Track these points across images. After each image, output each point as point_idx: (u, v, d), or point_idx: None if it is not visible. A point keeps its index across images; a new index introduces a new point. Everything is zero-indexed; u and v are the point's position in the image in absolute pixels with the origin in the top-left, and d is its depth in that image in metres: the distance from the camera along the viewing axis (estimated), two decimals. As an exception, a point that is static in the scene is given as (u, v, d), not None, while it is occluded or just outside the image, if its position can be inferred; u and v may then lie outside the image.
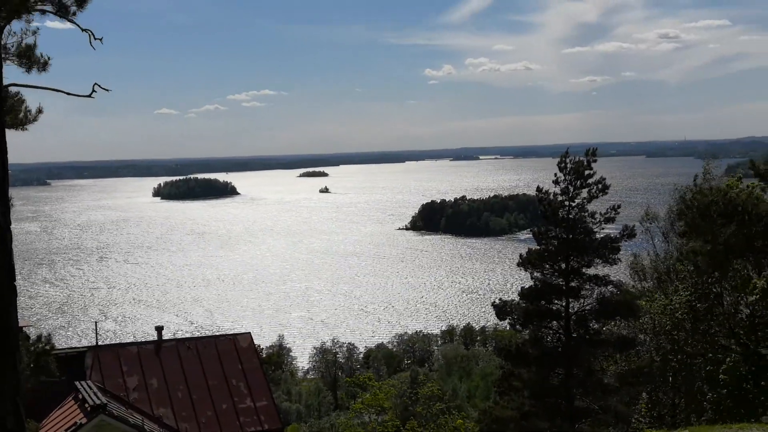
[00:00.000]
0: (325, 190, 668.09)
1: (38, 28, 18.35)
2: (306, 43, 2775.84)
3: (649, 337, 37.03)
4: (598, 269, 32.84)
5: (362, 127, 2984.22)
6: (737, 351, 32.71)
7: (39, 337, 20.67)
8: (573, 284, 31.83)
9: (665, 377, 35.40)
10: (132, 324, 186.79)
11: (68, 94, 20.16)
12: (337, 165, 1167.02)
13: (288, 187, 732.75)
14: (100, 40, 19.40)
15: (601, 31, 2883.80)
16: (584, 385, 31.64)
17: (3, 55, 15.23)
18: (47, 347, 20.35)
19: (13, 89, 19.70)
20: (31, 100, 19.57)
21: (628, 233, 32.49)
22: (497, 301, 33.52)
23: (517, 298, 33.05)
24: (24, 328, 24.17)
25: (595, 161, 32.27)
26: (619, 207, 32.66)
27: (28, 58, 18.32)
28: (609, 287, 32.11)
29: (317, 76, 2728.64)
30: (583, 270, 32.07)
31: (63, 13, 18.21)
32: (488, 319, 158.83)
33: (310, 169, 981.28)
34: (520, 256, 33.15)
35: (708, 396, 33.46)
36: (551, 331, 32.65)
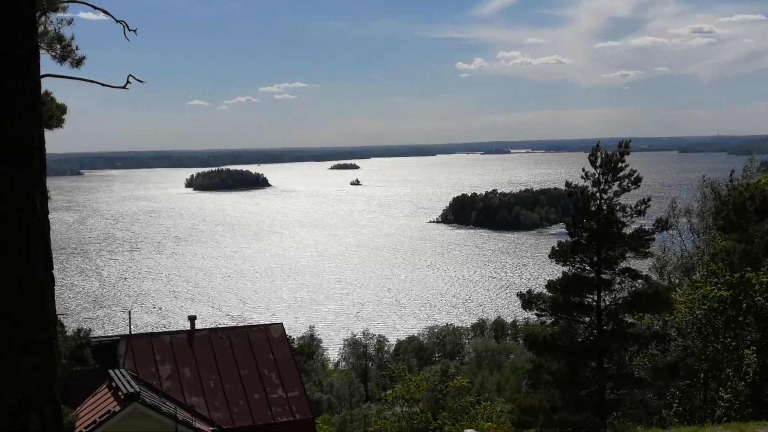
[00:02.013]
0: (357, 183, 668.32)
1: (72, 18, 18.60)
2: (337, 37, 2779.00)
3: (680, 332, 36.84)
4: (630, 263, 32.71)
5: (394, 121, 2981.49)
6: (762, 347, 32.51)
7: (79, 331, 20.97)
8: (604, 276, 31.73)
9: (697, 372, 35.19)
10: (165, 314, 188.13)
11: (103, 85, 20.41)
12: (369, 158, 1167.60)
13: (319, 180, 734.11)
14: (134, 31, 19.62)
15: (633, 25, 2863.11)
16: (615, 378, 31.55)
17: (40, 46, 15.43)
18: (84, 340, 20.64)
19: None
20: (66, 91, 19.86)
21: (662, 225, 32.36)
22: (524, 291, 33.50)
23: (545, 291, 32.98)
24: (59, 316, 24.53)
25: (627, 154, 32.14)
26: (649, 200, 32.51)
27: (64, 49, 18.57)
28: (640, 281, 31.98)
29: (349, 69, 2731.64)
30: (615, 262, 31.97)
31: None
32: (519, 312, 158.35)
33: (342, 162, 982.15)
34: (552, 248, 33.09)
35: (729, 392, 33.29)
36: (582, 324, 32.57)
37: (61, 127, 19.99)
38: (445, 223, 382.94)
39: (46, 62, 17.92)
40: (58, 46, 18.34)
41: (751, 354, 32.82)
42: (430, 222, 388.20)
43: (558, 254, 32.61)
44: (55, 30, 18.37)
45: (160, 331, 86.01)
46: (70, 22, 18.66)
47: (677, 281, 49.10)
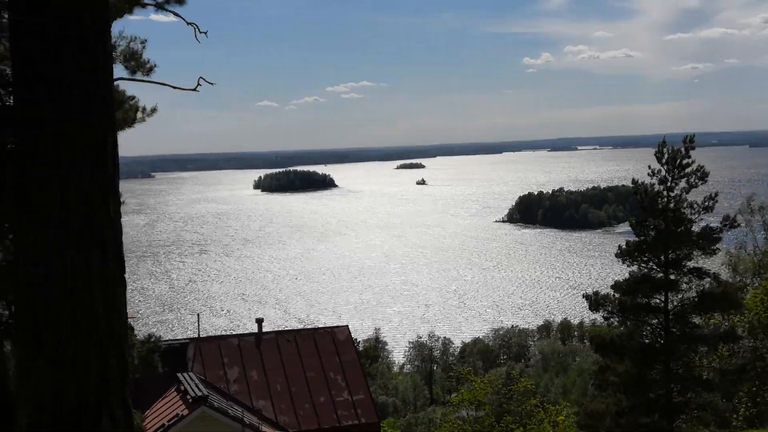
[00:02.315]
0: (422, 182, 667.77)
1: (146, 40, 18.98)
2: (402, 34, 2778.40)
3: (748, 333, 36.21)
4: (698, 261, 32.29)
5: (459, 118, 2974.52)
6: None
7: (150, 336, 21.44)
8: (672, 277, 31.36)
9: (767, 375, 34.55)
10: (233, 317, 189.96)
11: (174, 87, 20.70)
12: (434, 157, 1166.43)
13: (385, 179, 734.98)
14: (205, 33, 19.87)
15: (703, 17, 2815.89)
16: (683, 381, 31.16)
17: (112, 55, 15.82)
18: (155, 345, 21.07)
19: (125, 90, 20.39)
20: (137, 94, 20.28)
21: (729, 223, 31.88)
22: (590, 292, 33.26)
23: (612, 292, 32.70)
24: (129, 319, 25.00)
25: (693, 149, 31.69)
26: (716, 195, 32.03)
27: (136, 60, 18.96)
28: (707, 280, 31.54)
29: (414, 66, 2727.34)
30: (683, 262, 31.57)
31: (163, 5, 18.77)
32: (586, 314, 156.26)
33: (407, 161, 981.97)
34: (619, 247, 32.79)
35: None
36: (649, 326, 32.21)
37: (144, 120, 20.38)
38: (511, 222, 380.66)
39: (118, 67, 18.31)
40: (132, 62, 18.74)
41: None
42: (496, 221, 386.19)
43: (625, 254, 32.33)
44: (127, 45, 18.76)
45: (228, 334, 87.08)
46: (143, 42, 19.01)
47: (749, 280, 48.26)
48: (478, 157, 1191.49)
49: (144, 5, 18.92)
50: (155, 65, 19.22)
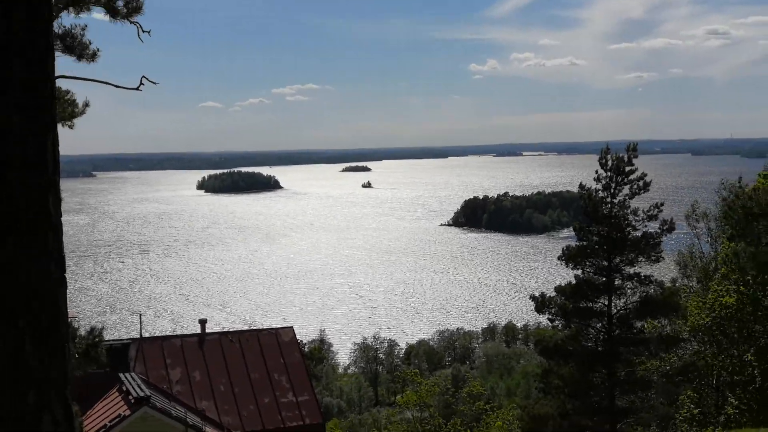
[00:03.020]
0: (368, 185, 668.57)
1: (86, 26, 18.67)
2: (350, 38, 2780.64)
3: (691, 336, 36.77)
4: (642, 267, 32.65)
5: (406, 122, 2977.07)
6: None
7: (91, 330, 21.04)
8: (615, 282, 31.69)
9: (709, 377, 35.10)
10: (176, 318, 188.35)
11: (116, 86, 20.40)
12: (380, 160, 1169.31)
13: (331, 182, 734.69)
14: (148, 32, 19.59)
15: (647, 27, 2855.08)
16: (626, 383, 31.50)
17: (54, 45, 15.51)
18: (97, 339, 20.70)
19: (62, 85, 20.06)
20: (79, 92, 19.93)
21: (668, 227, 32.28)
22: (537, 294, 33.49)
23: (557, 294, 32.96)
24: (70, 319, 24.61)
25: (635, 157, 32.09)
26: (662, 204, 32.47)
27: (80, 46, 18.62)
28: (651, 286, 31.92)
29: (361, 70, 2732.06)
30: (625, 268, 31.90)
31: (113, 14, 18.49)
32: (530, 317, 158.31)
33: (353, 164, 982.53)
34: (563, 251, 33.03)
35: (738, 398, 33.22)
36: (593, 330, 32.51)
37: (79, 115, 20.07)
38: (456, 226, 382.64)
39: (60, 63, 17.96)
40: (70, 41, 18.38)
41: (754, 360, 32.78)
42: (442, 225, 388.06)
43: (568, 258, 32.61)
44: (66, 27, 18.45)
45: (171, 334, 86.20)
46: (83, 28, 18.72)
47: (695, 284, 48.95)
48: (424, 161, 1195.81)
49: (88, 8, 18.63)
50: (98, 50, 18.91)
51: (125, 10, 18.36)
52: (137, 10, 18.48)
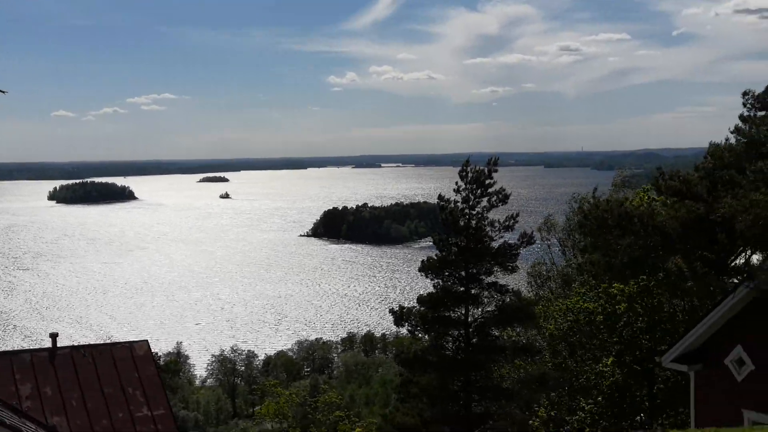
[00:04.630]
0: (226, 196, 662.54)
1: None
2: (208, 48, 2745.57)
3: (547, 343, 37.78)
4: (498, 277, 33.26)
5: (264, 133, 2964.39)
6: (618, 358, 33.77)
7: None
8: (473, 291, 32.17)
9: (563, 383, 36.09)
10: (26, 332, 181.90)
11: (-39, 94, 19.49)
12: (239, 171, 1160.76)
13: (188, 192, 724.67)
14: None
15: (502, 43, 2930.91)
16: (483, 391, 31.99)
17: None
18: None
19: None
20: None
21: (527, 240, 33.02)
22: (395, 307, 33.70)
23: (416, 305, 33.24)
24: None
25: (496, 171, 32.67)
26: (517, 216, 33.16)
27: None
28: (508, 295, 32.55)
29: (219, 80, 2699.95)
30: (483, 277, 32.43)
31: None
32: (388, 326, 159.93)
33: (211, 174, 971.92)
34: (422, 262, 33.32)
35: (588, 404, 34.37)
36: (451, 338, 32.90)
37: None
38: (315, 236, 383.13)
39: None
40: None
41: (607, 368, 33.99)
42: (301, 236, 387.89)
43: (427, 268, 32.90)
44: None
45: (20, 349, 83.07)
46: None
47: (557, 293, 50.33)
48: (283, 171, 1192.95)
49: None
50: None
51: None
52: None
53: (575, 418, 34.51)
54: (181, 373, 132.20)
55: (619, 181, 49.00)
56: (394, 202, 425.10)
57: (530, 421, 33.46)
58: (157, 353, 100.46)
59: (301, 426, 39.03)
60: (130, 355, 35.58)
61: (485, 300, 32.39)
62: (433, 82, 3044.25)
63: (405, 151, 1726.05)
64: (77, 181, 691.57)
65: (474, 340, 32.16)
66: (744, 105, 31.21)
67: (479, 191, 32.17)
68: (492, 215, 32.78)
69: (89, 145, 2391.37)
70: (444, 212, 32.70)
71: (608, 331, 34.74)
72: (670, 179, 31.16)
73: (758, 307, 21.55)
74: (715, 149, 32.37)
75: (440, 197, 33.57)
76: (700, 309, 30.73)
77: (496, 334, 33.08)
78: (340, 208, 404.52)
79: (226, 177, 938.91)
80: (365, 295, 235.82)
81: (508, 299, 32.34)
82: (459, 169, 32.92)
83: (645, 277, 32.90)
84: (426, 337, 33.95)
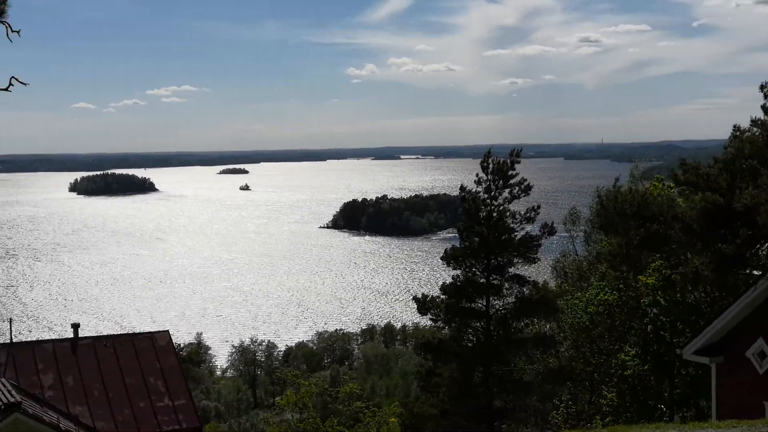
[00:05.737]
0: (246, 188, 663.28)
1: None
2: (227, 41, 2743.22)
3: (567, 335, 37.64)
4: (519, 268, 33.20)
5: (284, 125, 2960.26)
6: (639, 350, 33.55)
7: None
8: (494, 282, 32.13)
9: (584, 375, 36.00)
10: (48, 323, 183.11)
11: (-16, 87, 19.57)
12: (258, 162, 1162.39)
13: (208, 184, 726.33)
14: (18, 32, 18.86)
15: (521, 35, 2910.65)
16: (503, 383, 31.96)
17: None
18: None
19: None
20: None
21: (548, 231, 32.96)
22: (419, 295, 33.70)
23: (439, 294, 33.22)
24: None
25: (518, 162, 32.62)
26: (539, 207, 33.11)
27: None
28: (527, 286, 32.49)
29: (239, 73, 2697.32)
30: (505, 268, 32.38)
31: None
32: (408, 318, 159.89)
33: (231, 166, 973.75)
34: (445, 251, 33.30)
35: (610, 395, 34.21)
36: (472, 330, 32.87)
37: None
38: (335, 228, 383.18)
39: None
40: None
41: (628, 359, 33.79)
42: (321, 227, 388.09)
43: (450, 258, 32.89)
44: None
45: (42, 339, 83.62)
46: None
47: (571, 286, 50.16)
48: (303, 163, 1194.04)
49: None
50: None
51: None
52: (1, 13, 17.71)
53: (597, 408, 34.39)
54: (202, 364, 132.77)
55: (637, 173, 48.70)
56: (413, 194, 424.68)
57: (550, 416, 33.40)
58: (178, 344, 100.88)
59: (321, 416, 39.05)
60: (152, 346, 35.74)
61: (506, 291, 32.37)
62: (452, 73, 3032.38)
63: (424, 143, 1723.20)
64: (98, 172, 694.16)
65: (494, 332, 32.14)
66: (765, 96, 30.79)
67: (501, 182, 32.15)
68: (513, 207, 32.73)
69: (109, 137, 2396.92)
70: (466, 202, 32.68)
71: (629, 324, 34.58)
72: (689, 171, 30.92)
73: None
74: (734, 138, 31.89)
75: (462, 188, 33.54)
76: (721, 301, 30.51)
77: (517, 326, 33.05)
78: (360, 200, 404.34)
79: (246, 169, 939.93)
80: (385, 286, 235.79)
81: (528, 291, 32.31)
82: (479, 160, 32.92)
83: (665, 270, 32.69)
84: (447, 329, 33.94)
